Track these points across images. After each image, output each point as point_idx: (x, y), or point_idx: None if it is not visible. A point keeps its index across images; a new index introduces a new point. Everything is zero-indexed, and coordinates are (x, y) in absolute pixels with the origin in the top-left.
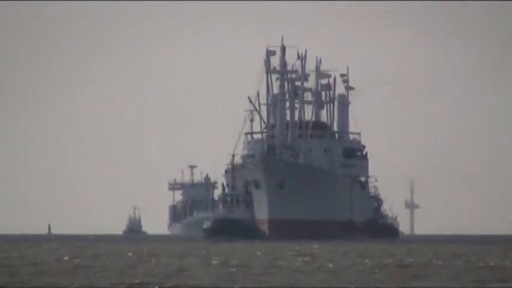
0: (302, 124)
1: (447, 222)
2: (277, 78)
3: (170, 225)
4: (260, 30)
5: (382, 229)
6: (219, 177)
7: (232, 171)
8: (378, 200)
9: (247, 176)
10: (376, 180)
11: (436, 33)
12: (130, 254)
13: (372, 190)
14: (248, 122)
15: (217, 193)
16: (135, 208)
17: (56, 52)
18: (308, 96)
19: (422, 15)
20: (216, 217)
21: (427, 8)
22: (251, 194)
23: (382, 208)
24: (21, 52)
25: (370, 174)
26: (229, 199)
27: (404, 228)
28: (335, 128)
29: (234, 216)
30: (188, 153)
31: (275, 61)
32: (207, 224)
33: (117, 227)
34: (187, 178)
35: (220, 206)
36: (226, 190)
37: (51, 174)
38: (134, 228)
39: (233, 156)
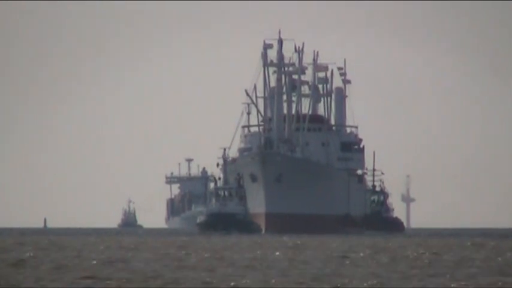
0: (299, 117)
1: (443, 215)
2: (275, 72)
3: (168, 219)
4: (257, 23)
5: (387, 223)
6: (216, 171)
7: (225, 164)
8: (383, 194)
9: (242, 169)
10: (382, 173)
11: (434, 27)
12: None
13: (377, 184)
14: (245, 115)
15: None
16: (129, 201)
17: (58, 50)
18: (305, 89)
19: (420, 10)
20: (210, 211)
21: (426, 3)
22: (243, 187)
23: (388, 202)
24: (21, 52)
25: (376, 168)
26: (222, 193)
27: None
28: (332, 122)
29: (227, 210)
30: (185, 146)
31: (272, 54)
32: (200, 219)
33: (114, 220)
34: (184, 172)
35: (213, 200)
36: (219, 184)
37: (47, 168)
38: (129, 222)
39: (225, 149)
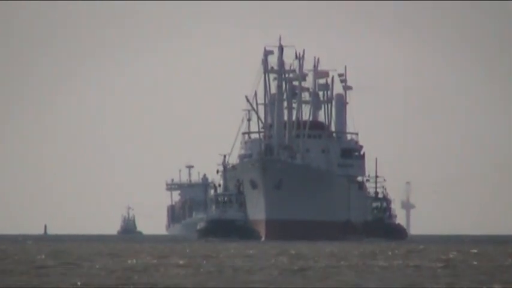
0: (300, 124)
1: (443, 222)
2: (275, 78)
3: (169, 225)
4: (258, 29)
5: (389, 229)
6: (217, 177)
7: (225, 171)
8: (386, 200)
9: (242, 175)
10: (384, 180)
11: (435, 34)
12: None
13: (380, 190)
14: (246, 122)
15: None
16: (129, 208)
17: (57, 51)
18: (306, 96)
19: (422, 17)
20: (210, 217)
21: (426, 7)
22: (243, 194)
23: (391, 208)
24: (21, 54)
25: (380, 174)
26: (221, 199)
27: None
28: (333, 128)
29: (227, 216)
30: (186, 153)
31: (273, 61)
32: (200, 225)
33: (114, 227)
34: (185, 178)
35: (213, 207)
36: (219, 190)
37: (47, 174)
38: (128, 229)
39: (225, 156)
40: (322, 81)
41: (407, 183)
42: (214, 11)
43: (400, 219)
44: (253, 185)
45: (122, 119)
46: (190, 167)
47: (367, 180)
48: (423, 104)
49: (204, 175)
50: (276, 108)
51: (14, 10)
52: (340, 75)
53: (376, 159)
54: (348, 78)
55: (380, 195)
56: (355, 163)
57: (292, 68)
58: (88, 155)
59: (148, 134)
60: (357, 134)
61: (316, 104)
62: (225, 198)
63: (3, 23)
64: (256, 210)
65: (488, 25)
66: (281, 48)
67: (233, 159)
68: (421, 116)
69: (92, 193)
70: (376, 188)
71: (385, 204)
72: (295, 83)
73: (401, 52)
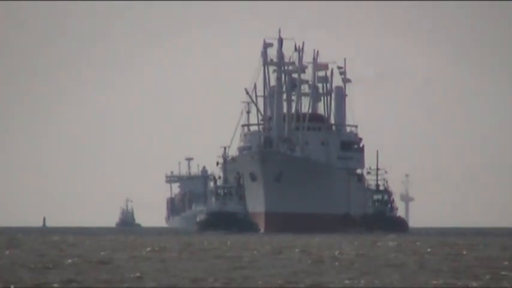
0: (299, 116)
1: (442, 215)
2: (274, 70)
3: (168, 218)
4: (258, 22)
5: (390, 222)
6: (216, 170)
7: (224, 163)
8: (387, 193)
9: (242, 168)
10: (386, 172)
11: (434, 27)
12: None
13: (381, 183)
14: (245, 114)
15: None
16: (127, 200)
17: (57, 49)
18: (305, 88)
19: (421, 9)
20: (210, 210)
21: (426, 3)
22: (243, 186)
23: (393, 201)
24: (22, 52)
25: (380, 167)
26: (221, 192)
27: None
28: (332, 121)
29: (227, 209)
30: (185, 145)
31: (272, 53)
32: (200, 218)
33: (114, 219)
34: (184, 171)
35: (213, 199)
36: (218, 183)
37: (46, 167)
38: (127, 221)
39: (225, 148)
40: (321, 73)
41: (406, 176)
42: (214, 4)
43: (399, 211)
44: (253, 178)
45: (121, 111)
46: (189, 160)
47: (368, 173)
48: (422, 96)
49: (204, 167)
50: (276, 100)
51: (16, 11)
52: (339, 67)
53: (377, 151)
54: (347, 71)
55: (381, 188)
56: (355, 156)
57: (291, 60)
58: (87, 148)
59: (148, 127)
60: (356, 126)
61: (315, 97)
62: (225, 191)
63: (7, 24)
64: (256, 203)
65: (488, 22)
66: (280, 41)
67: (233, 152)
68: (420, 109)
69: (90, 186)
70: (377, 180)
71: (386, 196)
72: (295, 75)
73: (400, 45)
